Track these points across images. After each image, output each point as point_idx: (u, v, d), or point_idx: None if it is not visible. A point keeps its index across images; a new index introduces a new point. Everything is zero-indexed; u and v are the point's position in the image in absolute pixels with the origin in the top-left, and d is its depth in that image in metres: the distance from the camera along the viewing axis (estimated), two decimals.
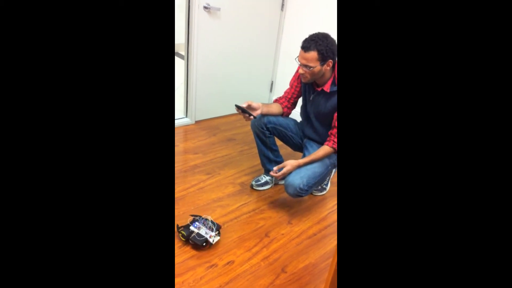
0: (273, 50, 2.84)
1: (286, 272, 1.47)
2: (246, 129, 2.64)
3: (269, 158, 1.93)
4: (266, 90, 3.00)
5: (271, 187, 2.00)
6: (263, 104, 1.81)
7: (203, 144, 2.38)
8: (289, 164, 1.69)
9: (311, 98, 1.75)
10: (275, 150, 1.93)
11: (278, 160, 1.95)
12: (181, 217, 1.68)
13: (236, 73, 2.70)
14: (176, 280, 1.35)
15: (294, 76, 1.84)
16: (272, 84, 2.98)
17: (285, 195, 1.96)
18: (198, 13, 2.27)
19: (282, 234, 1.68)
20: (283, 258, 1.54)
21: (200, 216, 1.60)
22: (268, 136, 1.87)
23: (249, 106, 1.73)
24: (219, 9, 2.34)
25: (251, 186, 1.97)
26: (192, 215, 1.62)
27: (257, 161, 2.03)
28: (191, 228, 1.54)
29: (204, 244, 1.48)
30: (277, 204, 1.88)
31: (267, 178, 1.99)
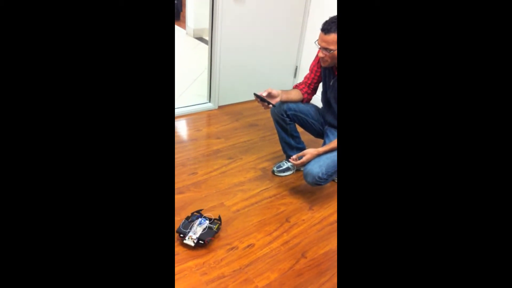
0: (298, 35, 2.79)
1: (306, 258, 1.47)
2: (269, 114, 2.61)
3: (291, 145, 1.92)
4: (290, 75, 2.96)
5: (292, 173, 2.00)
6: (282, 91, 1.78)
7: (226, 129, 2.39)
8: (308, 152, 1.68)
9: (331, 83, 1.72)
10: (296, 137, 1.91)
11: (300, 147, 1.93)
12: (203, 200, 1.71)
13: (260, 58, 2.68)
14: (197, 261, 1.39)
15: (314, 60, 1.80)
16: (296, 69, 2.94)
17: None
18: None
19: (303, 220, 1.68)
20: (303, 243, 1.54)
21: (202, 215, 1.56)
22: (289, 123, 1.85)
23: (269, 94, 1.70)
24: None
25: (273, 171, 1.97)
26: (196, 211, 1.59)
27: (279, 147, 2.03)
28: (193, 221, 1.52)
29: (181, 235, 1.45)
30: (299, 190, 1.87)
31: (289, 164, 1.98)
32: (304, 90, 1.84)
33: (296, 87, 1.87)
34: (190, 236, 1.44)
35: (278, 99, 1.74)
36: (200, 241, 1.43)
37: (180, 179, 1.84)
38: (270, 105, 1.68)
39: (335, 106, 1.75)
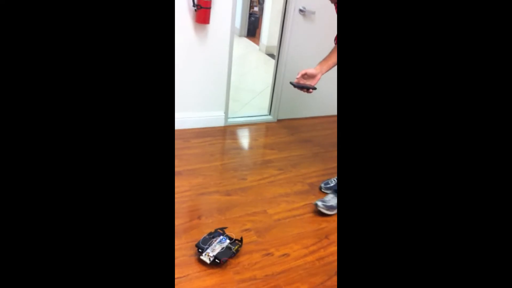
0: None
1: None
2: (324, 132, 2.64)
3: None
4: None
5: None
6: (321, 62, 1.63)
7: (281, 141, 2.46)
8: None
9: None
10: None
11: None
12: (248, 204, 1.78)
13: (323, 76, 2.72)
14: (232, 260, 1.45)
15: (336, 11, 1.72)
16: None
17: None
18: (293, 16, 2.35)
19: None
20: None
21: (224, 234, 1.53)
22: None
23: (305, 75, 1.59)
24: (314, 13, 2.39)
25: (320, 188, 1.98)
26: (220, 228, 1.56)
27: (330, 164, 2.04)
28: (214, 238, 1.50)
29: (199, 250, 1.43)
30: None
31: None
32: None
33: (336, 42, 1.77)
34: (208, 253, 1.42)
35: (319, 76, 1.60)
36: (216, 260, 1.41)
37: (230, 183, 1.94)
38: (311, 90, 1.56)
39: None
